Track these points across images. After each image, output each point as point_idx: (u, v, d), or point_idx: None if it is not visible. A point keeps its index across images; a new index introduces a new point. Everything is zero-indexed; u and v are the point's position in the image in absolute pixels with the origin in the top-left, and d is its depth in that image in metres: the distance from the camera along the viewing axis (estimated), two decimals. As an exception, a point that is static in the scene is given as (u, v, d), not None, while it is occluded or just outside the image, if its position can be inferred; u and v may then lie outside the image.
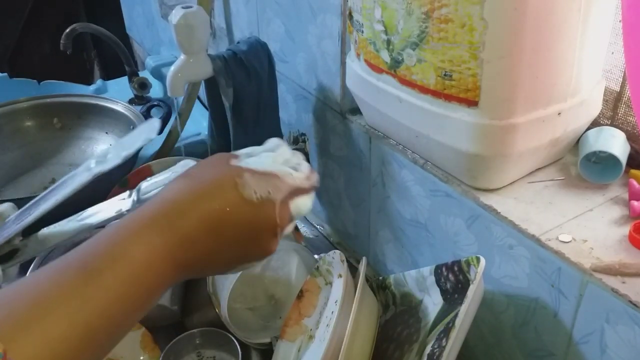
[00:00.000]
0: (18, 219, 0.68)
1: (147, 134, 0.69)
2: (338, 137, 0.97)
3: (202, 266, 0.45)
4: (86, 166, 0.68)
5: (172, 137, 1.18)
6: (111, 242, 0.41)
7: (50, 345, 0.35)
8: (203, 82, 0.87)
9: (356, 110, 0.91)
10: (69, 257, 0.40)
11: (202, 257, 0.44)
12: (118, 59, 1.37)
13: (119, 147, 0.69)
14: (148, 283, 0.41)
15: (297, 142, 1.10)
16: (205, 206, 0.43)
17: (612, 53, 0.72)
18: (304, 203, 0.51)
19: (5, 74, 1.52)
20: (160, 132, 1.20)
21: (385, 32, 0.71)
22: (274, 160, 0.51)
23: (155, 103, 1.27)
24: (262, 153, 0.52)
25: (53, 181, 1.22)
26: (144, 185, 0.62)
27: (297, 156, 0.54)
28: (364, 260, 0.79)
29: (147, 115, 1.22)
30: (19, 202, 1.02)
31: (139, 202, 0.61)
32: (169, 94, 0.82)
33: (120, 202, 0.63)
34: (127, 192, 0.64)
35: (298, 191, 0.50)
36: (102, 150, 0.70)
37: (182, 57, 0.81)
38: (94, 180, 0.69)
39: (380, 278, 0.85)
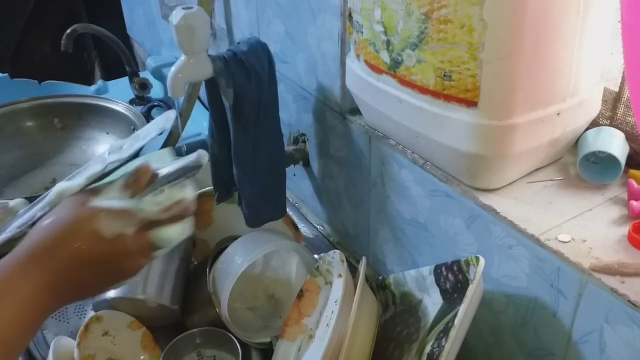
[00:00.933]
0: (28, 210, 0.69)
1: (162, 124, 0.70)
2: (338, 137, 0.97)
3: (79, 292, 0.53)
4: (101, 156, 0.69)
5: (173, 137, 1.19)
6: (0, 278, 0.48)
7: None
8: (203, 82, 0.87)
9: (356, 111, 0.91)
10: None
11: (77, 285, 0.52)
12: (119, 60, 1.38)
13: (134, 138, 0.69)
14: (34, 309, 0.49)
15: (297, 142, 1.10)
16: (68, 246, 0.51)
17: (611, 54, 0.72)
18: (168, 232, 0.56)
19: (6, 74, 1.52)
20: (161, 132, 1.21)
21: (385, 33, 0.71)
22: (122, 195, 0.56)
23: (156, 103, 1.27)
24: (115, 182, 0.57)
25: (53, 181, 1.22)
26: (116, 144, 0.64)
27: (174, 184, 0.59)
28: (363, 260, 0.79)
29: (147, 116, 1.22)
30: (20, 202, 1.02)
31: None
32: (169, 94, 0.82)
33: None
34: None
35: (153, 223, 0.56)
36: (117, 142, 0.70)
37: (183, 57, 0.81)
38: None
39: (380, 278, 0.85)
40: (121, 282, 0.56)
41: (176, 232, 0.57)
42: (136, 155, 0.71)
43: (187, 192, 0.59)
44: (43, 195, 0.68)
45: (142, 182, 0.57)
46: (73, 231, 0.51)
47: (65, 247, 0.50)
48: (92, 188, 0.56)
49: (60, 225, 0.52)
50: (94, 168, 0.67)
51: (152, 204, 0.56)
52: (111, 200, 0.55)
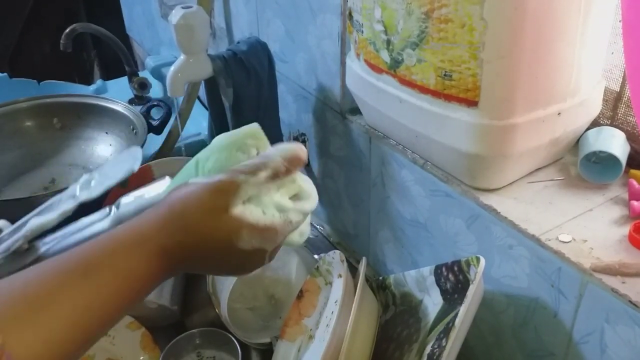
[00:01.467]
0: (10, 235, 0.67)
1: (130, 165, 0.68)
2: (338, 137, 0.97)
3: (190, 270, 0.48)
4: (71, 193, 0.68)
5: (172, 137, 1.18)
6: (110, 242, 0.43)
7: (47, 337, 0.37)
8: (203, 82, 0.87)
9: (356, 110, 0.91)
10: (68, 254, 0.42)
11: (190, 268, 0.48)
12: (118, 59, 1.37)
13: (103, 175, 0.68)
14: (140, 277, 0.43)
15: (297, 142, 1.10)
16: (201, 252, 0.46)
17: (612, 53, 0.72)
18: (292, 236, 0.51)
19: (5, 74, 1.52)
20: (160, 132, 1.21)
21: (385, 32, 0.71)
22: (280, 204, 0.49)
23: (155, 103, 1.27)
24: (271, 190, 0.50)
25: (53, 181, 1.22)
26: (124, 200, 0.62)
27: (305, 181, 0.54)
28: (364, 260, 0.79)
29: (147, 116, 1.22)
30: (19, 202, 1.02)
31: (116, 220, 0.61)
32: (169, 94, 0.82)
33: (98, 224, 0.63)
34: (107, 209, 0.63)
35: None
36: (85, 177, 0.69)
37: (182, 57, 0.81)
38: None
39: (380, 278, 0.85)
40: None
41: (297, 236, 0.53)
42: (106, 194, 0.69)
43: (311, 190, 0.54)
44: (18, 225, 0.67)
45: (294, 171, 0.51)
46: (208, 244, 0.46)
47: (196, 254, 0.46)
48: (230, 177, 0.47)
49: (192, 237, 0.45)
50: (66, 205, 0.66)
51: (297, 213, 0.50)
52: (256, 207, 0.47)
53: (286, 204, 0.50)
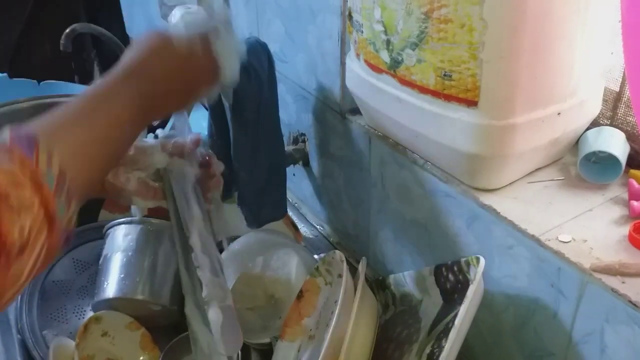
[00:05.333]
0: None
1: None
2: (338, 137, 0.97)
3: (166, 102, 0.64)
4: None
5: (172, 137, 1.18)
6: (107, 89, 0.60)
7: (79, 149, 0.53)
8: (203, 82, 0.87)
9: (356, 110, 0.91)
10: (91, 91, 0.60)
11: (164, 95, 0.63)
12: (118, 60, 1.37)
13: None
14: (133, 111, 0.59)
15: (297, 142, 1.10)
16: (153, 62, 0.63)
17: (612, 53, 0.72)
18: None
19: (5, 74, 1.52)
20: (160, 132, 1.20)
21: (385, 33, 0.71)
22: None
23: (155, 103, 1.27)
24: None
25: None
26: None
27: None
28: (363, 260, 0.79)
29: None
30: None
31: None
32: (168, 94, 0.82)
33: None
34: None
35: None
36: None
37: (182, 57, 0.81)
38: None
39: (380, 278, 0.85)
40: (199, 97, 0.68)
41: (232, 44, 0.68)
42: None
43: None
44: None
45: None
46: (154, 52, 0.63)
47: (151, 63, 0.62)
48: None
49: (144, 49, 0.63)
50: None
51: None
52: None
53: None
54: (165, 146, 0.73)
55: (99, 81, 0.61)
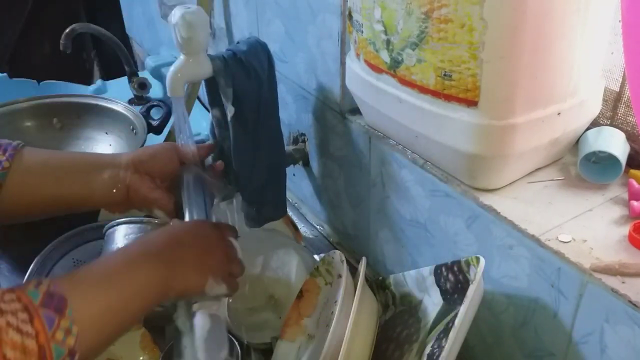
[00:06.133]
0: None
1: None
2: (338, 137, 0.97)
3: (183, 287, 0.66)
4: None
5: (172, 137, 1.18)
6: (133, 263, 0.63)
7: (97, 308, 0.56)
8: (204, 82, 0.87)
9: (356, 110, 0.91)
10: (114, 258, 0.66)
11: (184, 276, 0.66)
12: (118, 59, 1.37)
13: None
14: (152, 290, 0.63)
15: (297, 142, 1.10)
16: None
17: (612, 53, 0.72)
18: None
19: (5, 74, 1.52)
20: (160, 132, 1.21)
21: (385, 32, 0.71)
22: None
23: (155, 103, 1.27)
24: None
25: (53, 181, 1.22)
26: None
27: None
28: (363, 260, 0.79)
29: (147, 116, 1.22)
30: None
31: None
32: (168, 94, 0.82)
33: None
34: None
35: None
36: None
37: (182, 57, 0.81)
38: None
39: (380, 278, 0.85)
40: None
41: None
42: None
43: None
44: None
45: None
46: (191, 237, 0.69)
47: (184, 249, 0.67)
48: None
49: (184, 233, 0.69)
50: None
51: None
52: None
53: None
54: (179, 150, 0.79)
55: (134, 252, 0.65)
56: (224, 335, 0.71)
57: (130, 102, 1.38)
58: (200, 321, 0.68)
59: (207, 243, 0.69)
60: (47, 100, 1.30)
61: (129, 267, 0.62)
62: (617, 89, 0.73)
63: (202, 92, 1.04)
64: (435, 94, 0.68)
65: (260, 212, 0.95)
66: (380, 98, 0.78)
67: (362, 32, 0.76)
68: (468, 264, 0.68)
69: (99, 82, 1.55)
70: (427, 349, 0.66)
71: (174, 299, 0.68)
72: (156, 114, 1.24)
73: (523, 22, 0.60)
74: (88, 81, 1.88)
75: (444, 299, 0.71)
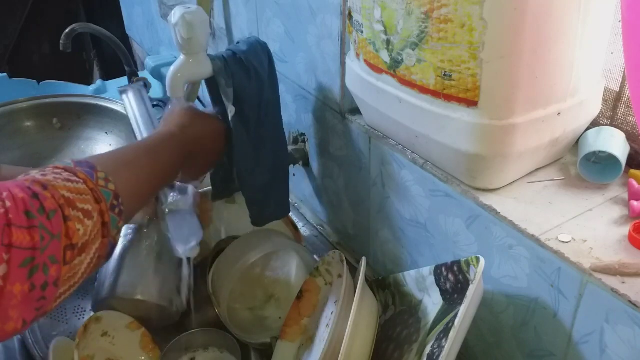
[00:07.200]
0: None
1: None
2: (338, 137, 0.97)
3: (194, 161, 0.82)
4: None
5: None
6: (154, 143, 0.77)
7: (134, 179, 0.66)
8: (205, 82, 0.87)
9: (356, 110, 0.91)
10: (142, 143, 0.80)
11: (194, 155, 0.81)
12: (117, 59, 1.37)
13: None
14: (176, 158, 0.77)
15: (297, 142, 1.10)
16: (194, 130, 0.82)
17: (612, 53, 0.72)
18: None
19: (5, 74, 1.52)
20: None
21: (385, 32, 0.71)
22: None
23: (155, 103, 1.27)
24: None
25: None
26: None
27: None
28: (363, 260, 0.79)
29: (146, 116, 1.22)
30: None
31: None
32: (168, 94, 0.82)
33: None
34: None
35: None
36: None
37: (182, 57, 0.81)
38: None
39: (380, 278, 0.85)
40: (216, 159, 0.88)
41: None
42: None
43: None
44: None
45: None
46: (192, 119, 0.82)
47: (192, 128, 0.81)
48: None
49: (182, 116, 0.82)
50: None
51: None
52: None
53: None
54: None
55: (147, 137, 0.82)
56: (195, 224, 0.85)
57: (130, 102, 1.37)
58: (172, 217, 0.84)
59: (214, 148, 0.85)
60: (47, 100, 1.30)
61: (149, 147, 0.75)
62: (617, 89, 0.73)
63: (202, 92, 1.04)
64: (435, 94, 0.68)
65: (264, 211, 0.95)
66: (380, 98, 0.78)
67: (362, 32, 0.76)
68: (468, 264, 0.68)
69: (99, 82, 1.55)
70: (427, 349, 0.66)
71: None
72: (156, 114, 1.23)
73: (523, 22, 0.60)
74: (88, 81, 1.88)
75: (444, 299, 0.71)
